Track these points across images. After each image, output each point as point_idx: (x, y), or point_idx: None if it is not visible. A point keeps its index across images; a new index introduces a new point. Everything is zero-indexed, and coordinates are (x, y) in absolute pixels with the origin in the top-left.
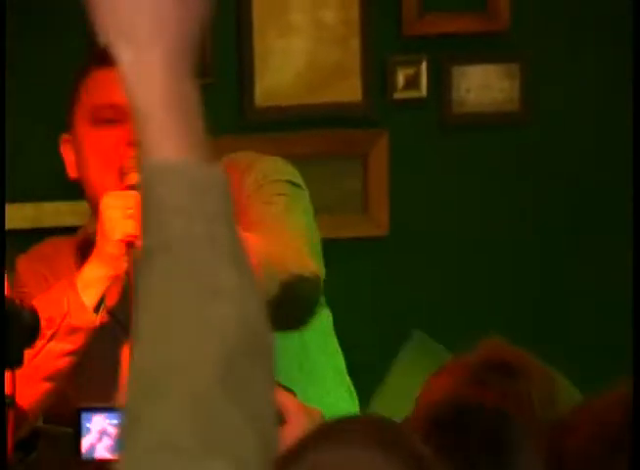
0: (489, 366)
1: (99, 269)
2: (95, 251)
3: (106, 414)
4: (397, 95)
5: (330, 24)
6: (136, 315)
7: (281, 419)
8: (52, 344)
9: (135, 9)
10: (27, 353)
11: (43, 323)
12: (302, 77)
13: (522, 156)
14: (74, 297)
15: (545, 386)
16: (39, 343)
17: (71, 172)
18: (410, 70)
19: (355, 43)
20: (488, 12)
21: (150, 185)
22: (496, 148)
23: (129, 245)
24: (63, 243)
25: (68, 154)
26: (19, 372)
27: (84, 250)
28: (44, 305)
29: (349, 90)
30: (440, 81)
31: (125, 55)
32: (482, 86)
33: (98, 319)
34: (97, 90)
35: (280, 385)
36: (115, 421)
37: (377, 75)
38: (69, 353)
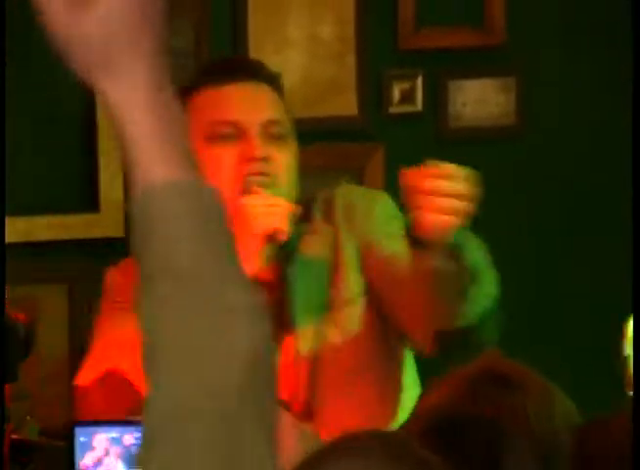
0: (486, 379)
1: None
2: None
3: (102, 428)
4: (393, 109)
5: (326, 40)
6: (152, 342)
7: (280, 409)
8: None
9: (107, 39)
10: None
11: None
12: (298, 92)
13: (518, 169)
14: None
15: (542, 399)
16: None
17: None
18: (406, 85)
19: (351, 58)
20: (484, 26)
21: (147, 210)
22: (493, 162)
23: (271, 238)
24: None
25: None
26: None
27: None
28: None
29: (345, 104)
30: (436, 95)
31: (107, 86)
32: (479, 100)
33: None
34: (212, 107)
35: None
36: (114, 435)
37: (373, 90)
38: None
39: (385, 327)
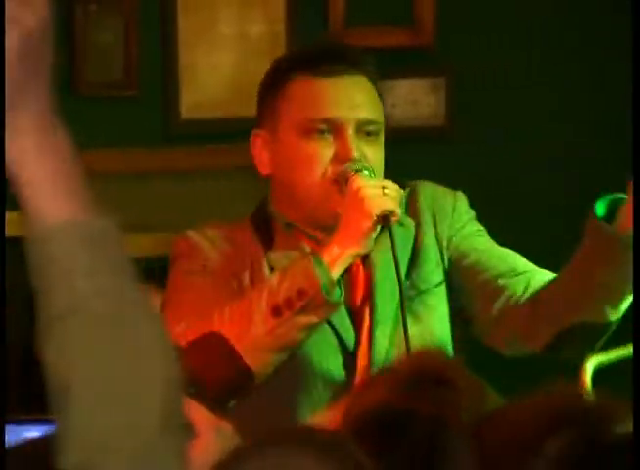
0: (419, 376)
1: (349, 246)
2: (344, 229)
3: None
4: None
5: (256, 38)
6: (64, 382)
7: (192, 432)
8: (301, 316)
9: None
10: (271, 322)
11: (293, 294)
12: (229, 91)
13: (447, 170)
14: (325, 271)
15: (474, 396)
16: (287, 313)
17: (263, 169)
18: None
19: None
20: (414, 26)
21: (45, 250)
22: (422, 162)
23: (385, 220)
24: (234, 227)
25: (260, 151)
26: (253, 335)
27: (264, 231)
28: (292, 277)
29: None
30: None
31: (5, 123)
32: (409, 101)
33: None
34: (308, 101)
35: (193, 396)
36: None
37: None
38: (313, 327)
39: (452, 320)
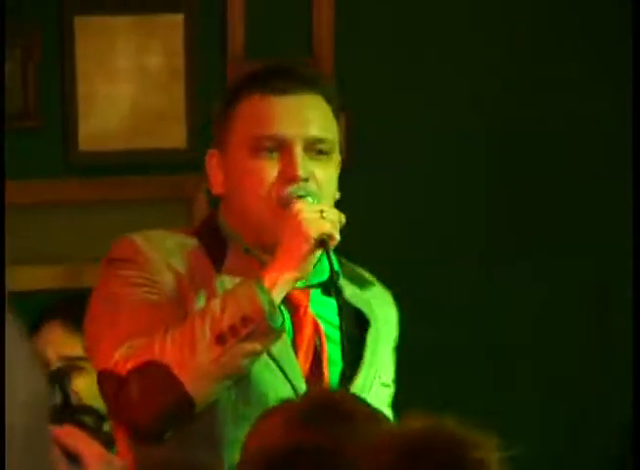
0: (313, 409)
1: (288, 271)
2: (283, 254)
3: None
4: None
5: (154, 70)
6: None
7: (80, 464)
8: (245, 343)
9: None
10: (215, 350)
11: (237, 321)
12: (127, 122)
13: (346, 203)
14: (268, 297)
15: (370, 427)
16: (231, 341)
17: (216, 188)
18: None
19: (180, 89)
20: (313, 58)
21: None
22: None
23: (323, 243)
24: (183, 239)
25: (214, 171)
26: (196, 363)
27: (216, 250)
28: (235, 303)
29: (174, 136)
30: None
31: None
32: None
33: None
34: (258, 119)
35: (85, 430)
36: None
37: (202, 121)
38: (257, 354)
39: None
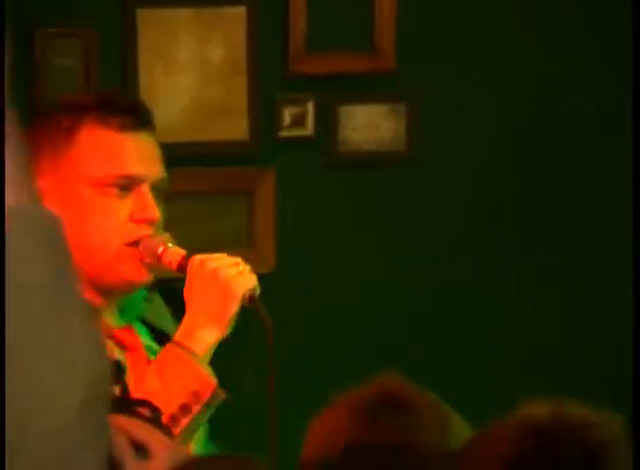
0: (381, 402)
1: (218, 332)
2: (205, 314)
3: None
4: (283, 133)
5: (216, 62)
6: None
7: (146, 454)
8: (198, 415)
9: None
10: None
11: (188, 398)
12: (188, 115)
13: (406, 195)
14: (206, 368)
15: (437, 422)
16: (186, 418)
17: None
18: (296, 109)
19: (242, 81)
20: (374, 51)
21: None
22: (382, 186)
23: (251, 298)
24: None
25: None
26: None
27: None
28: (175, 379)
29: (236, 128)
30: (327, 120)
31: None
32: (368, 125)
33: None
34: (107, 156)
35: (146, 420)
36: None
37: (263, 114)
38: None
39: None
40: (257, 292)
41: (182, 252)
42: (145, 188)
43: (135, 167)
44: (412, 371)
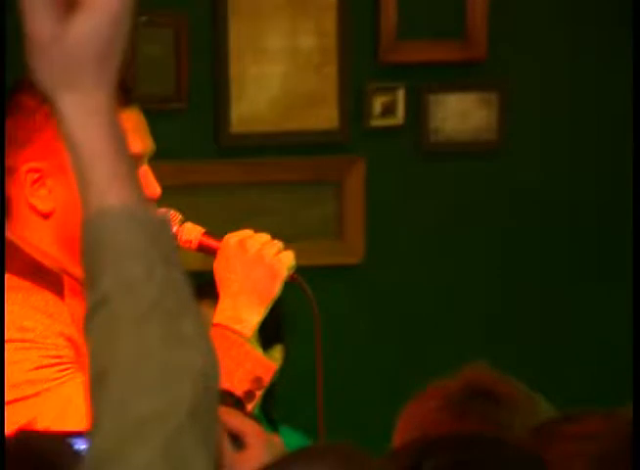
0: (470, 393)
1: (261, 313)
2: (249, 294)
3: None
4: (374, 122)
5: (306, 51)
6: (103, 364)
7: (242, 444)
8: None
9: (79, 60)
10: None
11: (251, 385)
12: (278, 104)
13: (498, 183)
14: (261, 351)
15: (529, 413)
16: (250, 405)
17: (43, 207)
18: (387, 98)
19: (332, 70)
20: (466, 40)
21: (99, 231)
22: (472, 176)
23: (294, 277)
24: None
25: (37, 187)
26: None
27: (48, 285)
28: (237, 366)
29: (326, 117)
30: (417, 109)
31: (66, 105)
32: (459, 114)
33: None
34: None
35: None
36: None
37: (353, 102)
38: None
39: None
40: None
41: (200, 229)
42: (145, 167)
43: (136, 146)
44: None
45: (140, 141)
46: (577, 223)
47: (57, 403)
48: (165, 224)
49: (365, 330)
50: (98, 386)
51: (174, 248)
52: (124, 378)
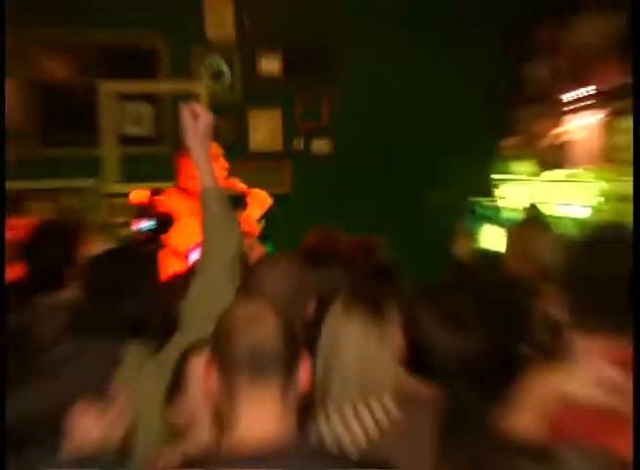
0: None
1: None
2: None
3: None
4: None
5: None
6: (205, 237)
7: (252, 246)
8: None
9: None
10: None
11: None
12: None
13: None
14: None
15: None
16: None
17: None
18: None
19: None
20: None
21: (205, 197)
22: None
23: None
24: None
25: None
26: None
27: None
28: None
29: None
30: None
31: (195, 153)
32: None
33: None
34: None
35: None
36: None
37: None
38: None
39: None
40: None
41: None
42: (221, 160)
43: (213, 151)
44: None
45: (215, 149)
46: None
47: None
48: (225, 196)
49: None
50: (207, 241)
51: (230, 209)
52: (209, 242)
